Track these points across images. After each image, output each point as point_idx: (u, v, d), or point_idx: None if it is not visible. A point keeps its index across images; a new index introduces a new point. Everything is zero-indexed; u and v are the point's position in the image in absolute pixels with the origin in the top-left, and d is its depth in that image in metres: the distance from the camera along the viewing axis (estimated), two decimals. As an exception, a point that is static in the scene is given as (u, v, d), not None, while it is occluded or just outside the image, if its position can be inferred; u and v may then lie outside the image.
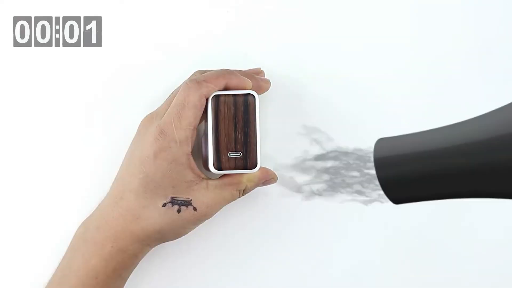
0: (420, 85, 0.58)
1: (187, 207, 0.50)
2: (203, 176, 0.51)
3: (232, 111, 0.50)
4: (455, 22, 0.59)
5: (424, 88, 0.59)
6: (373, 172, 0.58)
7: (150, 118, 0.52)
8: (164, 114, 0.50)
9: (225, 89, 0.50)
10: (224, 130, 0.50)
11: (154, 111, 0.53)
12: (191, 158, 0.50)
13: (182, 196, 0.50)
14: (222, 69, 0.51)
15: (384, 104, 0.58)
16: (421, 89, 0.59)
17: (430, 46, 0.59)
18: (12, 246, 0.57)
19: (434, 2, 0.59)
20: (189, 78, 0.52)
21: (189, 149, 0.49)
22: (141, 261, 0.53)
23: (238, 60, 0.57)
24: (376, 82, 0.58)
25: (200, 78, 0.49)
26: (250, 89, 0.51)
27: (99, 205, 0.53)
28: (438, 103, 0.59)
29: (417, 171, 0.38)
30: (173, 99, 0.50)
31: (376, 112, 0.58)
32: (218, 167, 0.50)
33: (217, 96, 0.50)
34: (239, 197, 0.52)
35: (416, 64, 0.59)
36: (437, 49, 0.59)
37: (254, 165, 0.50)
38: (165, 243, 0.53)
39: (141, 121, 0.52)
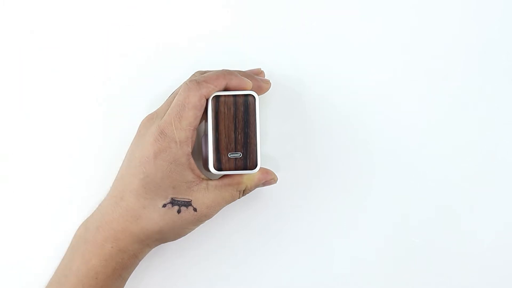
0: (420, 85, 0.58)
1: (187, 207, 0.50)
2: (203, 176, 0.51)
3: (232, 111, 0.50)
4: (455, 22, 0.59)
5: (424, 88, 0.59)
6: (373, 171, 0.58)
7: (150, 119, 0.52)
8: (164, 114, 0.50)
9: (225, 89, 0.50)
10: (224, 131, 0.50)
11: (154, 112, 0.52)
12: (191, 159, 0.50)
13: (182, 196, 0.50)
14: (222, 70, 0.51)
15: (384, 104, 0.58)
16: (421, 89, 0.59)
17: (430, 46, 0.59)
18: (13, 246, 0.57)
19: (434, 2, 0.59)
20: (189, 78, 0.52)
21: (189, 149, 0.49)
22: (141, 261, 0.53)
23: (238, 60, 0.57)
24: (376, 82, 0.58)
25: (200, 79, 0.49)
26: (250, 90, 0.51)
27: (99, 205, 0.53)
28: (438, 103, 0.59)
29: None
30: (173, 99, 0.50)
31: (376, 112, 0.58)
32: (218, 168, 0.50)
33: (217, 97, 0.50)
34: (239, 198, 0.52)
35: (416, 64, 0.58)
36: (437, 49, 0.59)
37: (254, 166, 0.50)
38: (165, 243, 0.53)
39: (141, 122, 0.52)
